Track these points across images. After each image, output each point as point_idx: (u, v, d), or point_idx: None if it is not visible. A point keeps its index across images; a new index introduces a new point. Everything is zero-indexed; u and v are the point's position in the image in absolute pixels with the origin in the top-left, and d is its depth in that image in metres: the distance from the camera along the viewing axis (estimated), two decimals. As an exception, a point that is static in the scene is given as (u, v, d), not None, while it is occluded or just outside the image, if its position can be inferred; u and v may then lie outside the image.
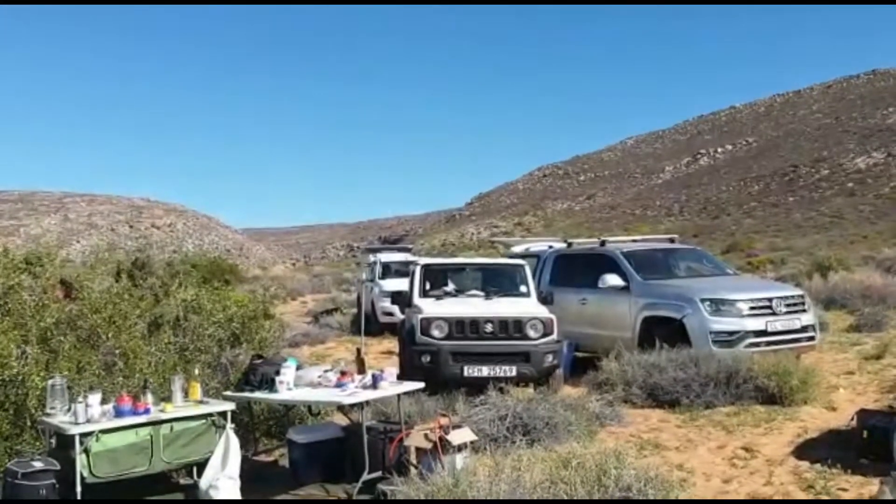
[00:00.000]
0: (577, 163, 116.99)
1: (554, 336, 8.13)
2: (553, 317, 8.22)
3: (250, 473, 5.54)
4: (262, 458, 6.50)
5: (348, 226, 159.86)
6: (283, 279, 40.71)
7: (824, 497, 5.03)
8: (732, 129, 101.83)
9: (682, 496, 3.95)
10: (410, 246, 28.72)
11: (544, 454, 4.53)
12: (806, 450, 6.01)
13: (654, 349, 8.29)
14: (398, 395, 6.01)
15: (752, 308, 8.78)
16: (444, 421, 5.37)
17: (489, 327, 7.99)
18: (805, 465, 5.65)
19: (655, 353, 8.13)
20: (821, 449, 5.94)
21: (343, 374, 5.95)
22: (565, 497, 3.64)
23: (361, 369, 6.14)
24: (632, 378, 7.89)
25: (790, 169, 65.22)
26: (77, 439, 4.67)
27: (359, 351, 6.55)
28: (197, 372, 5.78)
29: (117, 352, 5.93)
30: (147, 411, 5.02)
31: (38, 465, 4.61)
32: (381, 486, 5.06)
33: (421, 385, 6.29)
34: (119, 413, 4.93)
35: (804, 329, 8.98)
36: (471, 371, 7.77)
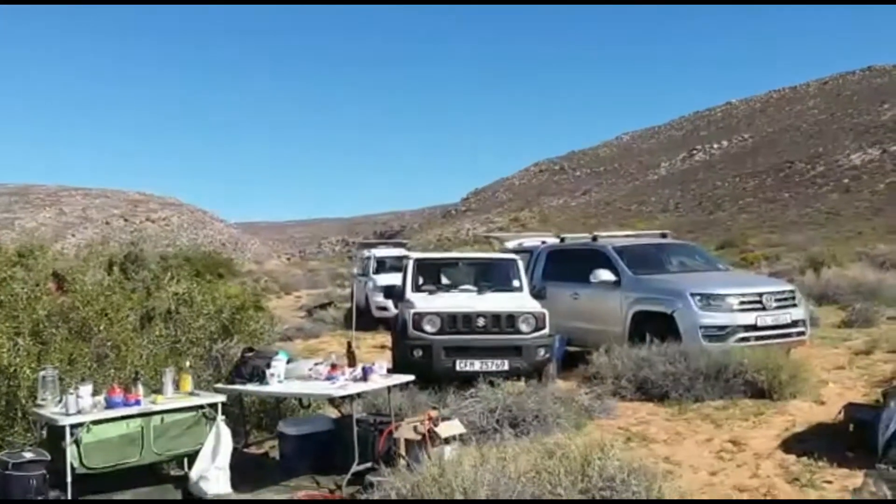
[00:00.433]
0: (573, 158, 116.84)
1: (546, 330, 8.16)
2: (545, 311, 8.26)
3: (241, 465, 5.56)
4: (253, 450, 6.54)
5: (344, 220, 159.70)
6: (277, 274, 40.82)
7: (809, 490, 5.09)
8: (728, 125, 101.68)
9: (667, 487, 3.99)
10: (406, 241, 28.80)
11: (530, 445, 4.57)
12: (793, 443, 6.07)
13: (644, 343, 8.35)
14: (388, 388, 6.05)
15: (742, 303, 8.83)
16: (433, 413, 5.43)
17: (481, 322, 8.02)
18: (792, 458, 5.72)
19: (645, 348, 8.20)
20: (808, 442, 6.01)
21: (333, 367, 6.00)
22: (549, 487, 3.68)
23: (352, 362, 6.20)
24: (622, 371, 7.96)
25: (786, 165, 65.24)
26: (68, 430, 4.70)
27: (349, 344, 6.60)
28: (188, 364, 5.83)
29: (109, 344, 5.97)
30: (138, 403, 5.06)
31: (28, 455, 4.64)
32: (370, 478, 5.10)
33: (411, 377, 6.33)
34: (110, 404, 4.97)
35: (794, 324, 9.03)
36: (463, 365, 7.79)
